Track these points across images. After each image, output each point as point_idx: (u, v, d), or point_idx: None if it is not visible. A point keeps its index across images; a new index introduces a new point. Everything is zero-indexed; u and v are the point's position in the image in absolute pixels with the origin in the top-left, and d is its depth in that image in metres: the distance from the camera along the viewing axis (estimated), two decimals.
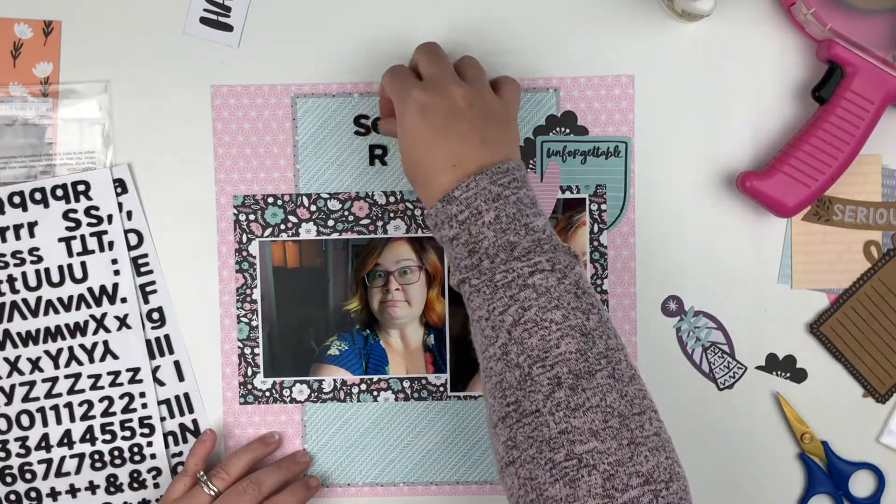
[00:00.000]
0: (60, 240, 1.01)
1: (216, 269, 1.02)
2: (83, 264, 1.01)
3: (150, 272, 1.01)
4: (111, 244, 1.01)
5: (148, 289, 1.01)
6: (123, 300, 1.01)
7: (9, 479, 1.01)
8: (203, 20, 1.01)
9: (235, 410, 1.02)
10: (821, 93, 0.96)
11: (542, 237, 0.83)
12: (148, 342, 1.02)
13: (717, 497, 1.02)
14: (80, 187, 1.01)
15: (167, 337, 1.02)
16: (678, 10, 0.97)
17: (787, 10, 0.99)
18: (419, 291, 1.02)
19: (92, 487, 1.02)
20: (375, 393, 1.02)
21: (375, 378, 1.02)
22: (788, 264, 1.01)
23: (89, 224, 1.01)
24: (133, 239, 1.01)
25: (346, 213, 1.01)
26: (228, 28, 1.01)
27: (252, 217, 1.01)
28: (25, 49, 1.01)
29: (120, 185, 1.01)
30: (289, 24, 1.01)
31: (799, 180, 0.95)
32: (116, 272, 1.01)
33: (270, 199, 1.01)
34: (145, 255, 1.01)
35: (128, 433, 1.01)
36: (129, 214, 1.01)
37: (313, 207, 1.01)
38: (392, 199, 1.01)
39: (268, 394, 1.02)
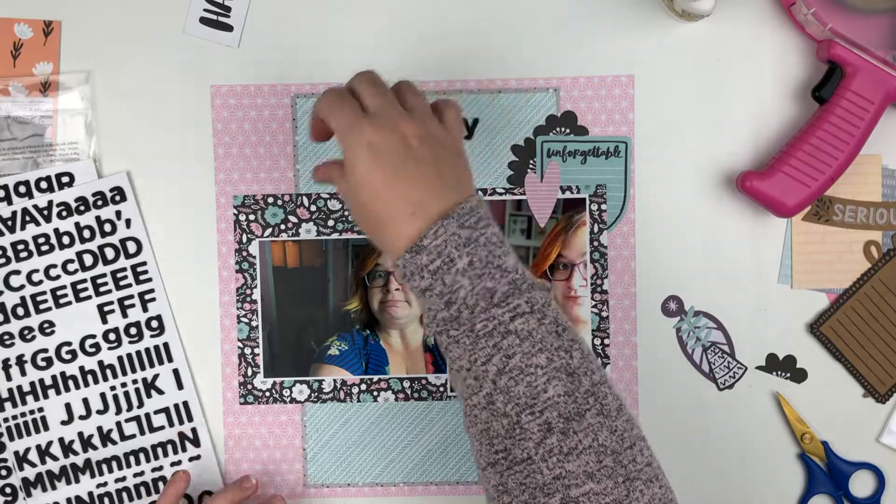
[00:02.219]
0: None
1: (216, 269, 1.02)
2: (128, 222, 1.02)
3: (150, 280, 1.01)
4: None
5: (147, 297, 1.01)
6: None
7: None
8: (203, 20, 1.01)
9: (235, 410, 1.02)
10: (821, 93, 0.96)
11: (516, 277, 0.79)
12: (147, 350, 1.01)
13: (718, 497, 1.02)
14: (65, 179, 1.01)
15: (166, 345, 1.01)
16: (678, 10, 0.97)
17: (787, 10, 0.99)
18: None
19: None
20: (375, 393, 1.02)
21: (375, 378, 1.02)
22: (788, 264, 1.01)
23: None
24: (132, 247, 1.01)
25: (346, 213, 1.01)
26: (228, 28, 1.01)
27: (252, 217, 1.01)
28: (25, 49, 1.01)
29: (119, 193, 1.01)
30: (289, 24, 1.01)
31: (799, 180, 0.95)
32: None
33: (270, 199, 1.01)
34: (144, 263, 1.01)
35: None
36: (129, 223, 1.01)
37: (313, 207, 1.01)
38: None
39: (268, 394, 1.02)
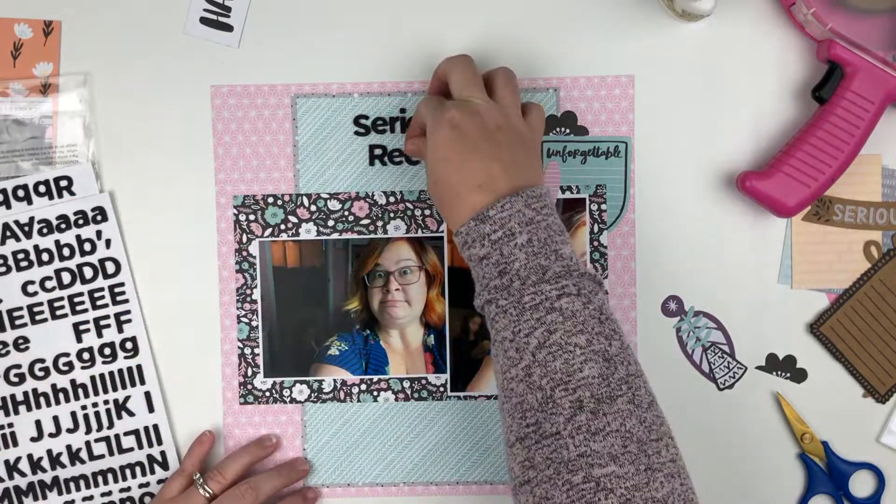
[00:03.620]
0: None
1: (216, 269, 1.02)
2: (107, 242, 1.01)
3: (126, 301, 1.00)
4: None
5: (123, 318, 1.00)
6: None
7: None
8: (203, 20, 1.01)
9: (235, 410, 1.02)
10: (821, 93, 0.96)
11: (570, 263, 0.84)
12: (120, 371, 1.01)
13: (718, 497, 1.02)
14: (63, 182, 1.01)
15: (139, 367, 1.01)
16: (678, 10, 0.97)
17: (787, 10, 0.99)
18: (419, 291, 1.02)
19: None
20: (375, 393, 1.02)
21: (375, 378, 1.02)
22: (788, 264, 1.01)
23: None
24: (111, 267, 1.00)
25: (347, 213, 1.01)
26: (228, 28, 1.01)
27: (252, 217, 1.01)
28: (25, 49, 1.01)
29: (100, 213, 1.00)
30: (289, 24, 1.01)
31: (799, 180, 0.95)
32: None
33: (270, 200, 1.01)
34: (122, 284, 1.00)
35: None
36: (108, 243, 1.00)
37: (313, 207, 1.01)
38: (392, 199, 1.01)
39: (268, 394, 1.02)
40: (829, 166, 0.95)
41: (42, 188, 1.00)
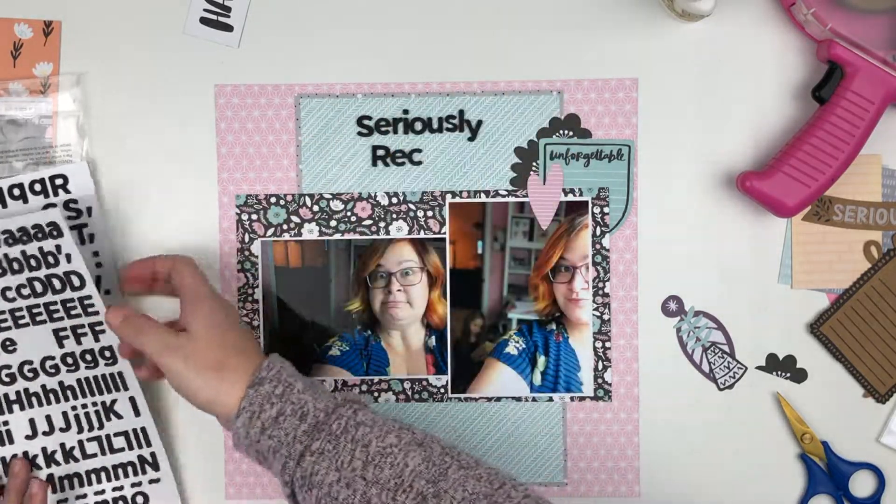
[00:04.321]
0: None
1: (218, 268, 1.01)
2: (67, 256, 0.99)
3: (97, 313, 0.98)
4: (91, 237, 1.01)
5: (98, 328, 0.98)
6: (107, 292, 1.01)
7: None
8: (203, 20, 1.01)
9: None
10: (821, 93, 0.96)
11: (338, 395, 0.88)
12: (103, 376, 1.00)
13: (718, 497, 1.02)
14: (58, 181, 1.00)
15: (120, 374, 0.99)
16: (678, 10, 0.97)
17: (787, 10, 0.99)
18: (421, 292, 1.02)
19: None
20: (376, 394, 1.02)
21: (376, 379, 1.02)
22: (788, 264, 1.01)
23: (69, 217, 1.00)
24: (76, 280, 0.98)
25: (349, 213, 1.01)
26: (228, 28, 1.01)
27: (255, 217, 1.01)
28: (25, 49, 1.00)
29: (55, 228, 0.97)
30: (289, 24, 1.01)
31: (799, 180, 0.96)
32: (98, 265, 1.01)
33: (273, 199, 1.01)
34: (89, 297, 0.98)
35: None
36: (69, 257, 0.97)
37: (316, 208, 1.01)
38: (394, 200, 1.01)
39: None
40: (829, 166, 0.95)
41: (38, 186, 1.00)
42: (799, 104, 1.01)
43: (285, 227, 1.01)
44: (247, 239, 1.01)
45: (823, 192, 0.97)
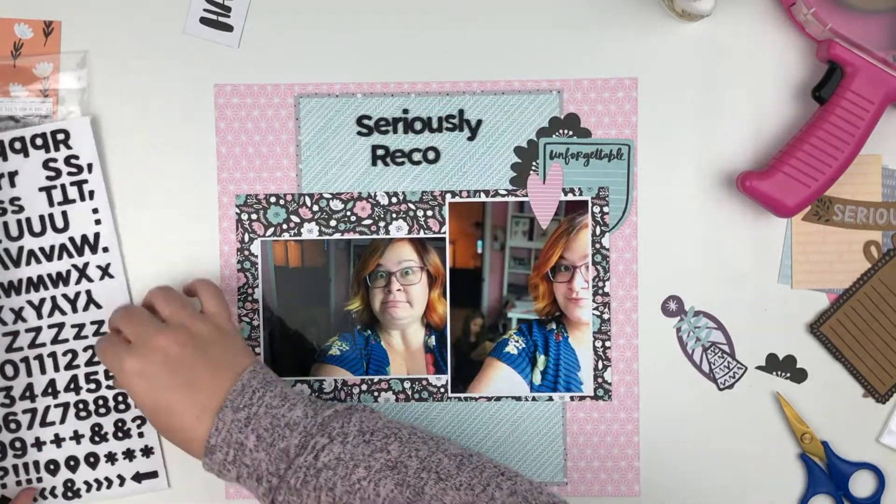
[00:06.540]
0: (41, 189, 1.00)
1: (218, 268, 1.01)
2: (64, 214, 1.00)
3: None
4: (91, 193, 1.00)
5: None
6: (105, 249, 1.01)
7: None
8: (203, 20, 1.01)
9: None
10: (821, 93, 0.96)
11: (307, 423, 0.86)
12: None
13: (718, 497, 1.02)
14: (60, 136, 1.00)
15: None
16: (678, 10, 0.97)
17: (787, 10, 0.99)
18: (421, 292, 1.02)
19: (77, 437, 1.01)
20: (376, 393, 1.02)
21: (376, 378, 1.02)
22: (788, 264, 1.01)
23: (69, 173, 1.00)
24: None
25: (349, 213, 1.01)
26: (228, 28, 1.01)
27: (254, 216, 1.01)
28: (25, 49, 1.00)
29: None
30: (289, 24, 1.01)
31: (799, 180, 0.95)
32: (97, 221, 1.01)
33: (273, 199, 1.01)
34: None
35: (112, 381, 1.01)
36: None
37: (315, 207, 1.01)
38: (394, 199, 1.01)
39: None
40: (829, 166, 0.95)
41: (39, 141, 1.00)
42: (799, 104, 1.01)
43: (285, 226, 1.01)
44: (246, 239, 1.01)
45: (823, 192, 0.96)
